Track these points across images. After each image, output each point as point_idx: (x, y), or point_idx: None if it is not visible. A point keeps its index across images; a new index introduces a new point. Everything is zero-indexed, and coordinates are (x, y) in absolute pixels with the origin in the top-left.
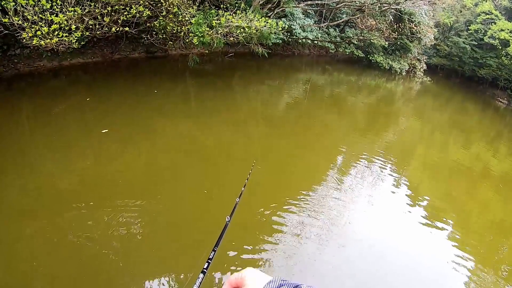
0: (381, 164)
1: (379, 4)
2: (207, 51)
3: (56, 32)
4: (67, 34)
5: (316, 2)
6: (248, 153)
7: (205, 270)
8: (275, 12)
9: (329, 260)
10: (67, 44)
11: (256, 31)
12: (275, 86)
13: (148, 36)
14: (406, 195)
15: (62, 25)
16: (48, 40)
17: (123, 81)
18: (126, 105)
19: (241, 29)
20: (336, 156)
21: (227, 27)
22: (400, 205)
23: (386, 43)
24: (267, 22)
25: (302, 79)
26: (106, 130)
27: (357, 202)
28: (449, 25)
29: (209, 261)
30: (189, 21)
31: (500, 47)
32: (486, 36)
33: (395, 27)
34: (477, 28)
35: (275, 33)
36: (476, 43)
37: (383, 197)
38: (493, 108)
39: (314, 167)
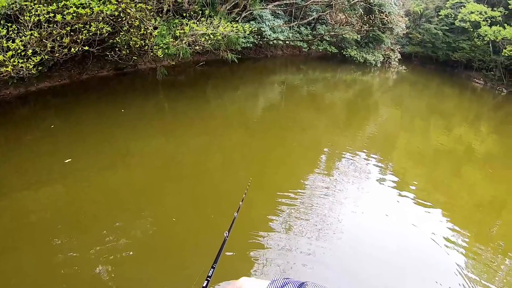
0: (366, 156)
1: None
2: (174, 63)
3: (12, 59)
4: (23, 60)
5: (285, 2)
6: (227, 163)
7: None
8: (243, 16)
9: (322, 259)
10: (25, 70)
11: (223, 37)
12: (250, 90)
13: (113, 53)
14: (393, 184)
15: (19, 51)
16: (4, 68)
17: (92, 101)
18: (96, 127)
19: (207, 37)
20: (320, 154)
21: (192, 35)
22: (388, 195)
23: (359, 36)
24: (233, 27)
25: (277, 81)
26: (70, 160)
27: (345, 197)
28: (419, 12)
29: (208, 279)
30: (152, 34)
31: (472, 30)
32: (457, 20)
33: (365, 19)
34: (447, 13)
35: (244, 37)
36: (448, 28)
37: (371, 189)
38: (470, 89)
39: (298, 167)
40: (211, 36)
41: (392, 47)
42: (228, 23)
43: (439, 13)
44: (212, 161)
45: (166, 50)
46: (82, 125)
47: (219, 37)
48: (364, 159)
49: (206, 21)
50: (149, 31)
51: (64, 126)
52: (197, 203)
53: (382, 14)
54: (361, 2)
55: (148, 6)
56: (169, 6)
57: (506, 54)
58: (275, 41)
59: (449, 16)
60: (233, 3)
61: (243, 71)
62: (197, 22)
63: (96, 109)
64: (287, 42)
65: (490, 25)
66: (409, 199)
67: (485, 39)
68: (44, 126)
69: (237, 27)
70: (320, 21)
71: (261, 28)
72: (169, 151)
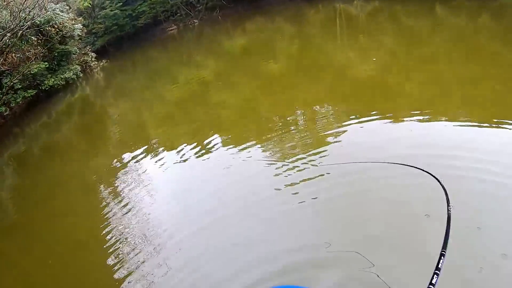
0: (126, 158)
1: (9, 35)
2: None
3: None
4: None
5: None
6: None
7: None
8: None
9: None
10: None
11: None
12: None
13: None
14: (166, 156)
15: None
16: None
17: None
18: None
19: None
20: (99, 189)
21: None
22: (169, 163)
23: (45, 63)
24: None
25: (2, 164)
26: None
27: (143, 200)
28: (90, 6)
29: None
30: None
31: None
32: None
33: (42, 42)
34: None
35: None
36: (122, 3)
37: (157, 173)
38: (171, 38)
39: (87, 211)
40: None
41: (83, 52)
42: None
43: None
44: None
45: None
46: None
47: None
48: (133, 159)
49: None
50: None
51: None
52: None
53: (54, 28)
54: (27, 29)
55: None
56: None
57: None
58: None
59: None
60: None
61: None
62: None
63: None
64: None
65: None
66: (173, 159)
67: None
68: None
69: None
70: (4, 74)
71: None
72: None
